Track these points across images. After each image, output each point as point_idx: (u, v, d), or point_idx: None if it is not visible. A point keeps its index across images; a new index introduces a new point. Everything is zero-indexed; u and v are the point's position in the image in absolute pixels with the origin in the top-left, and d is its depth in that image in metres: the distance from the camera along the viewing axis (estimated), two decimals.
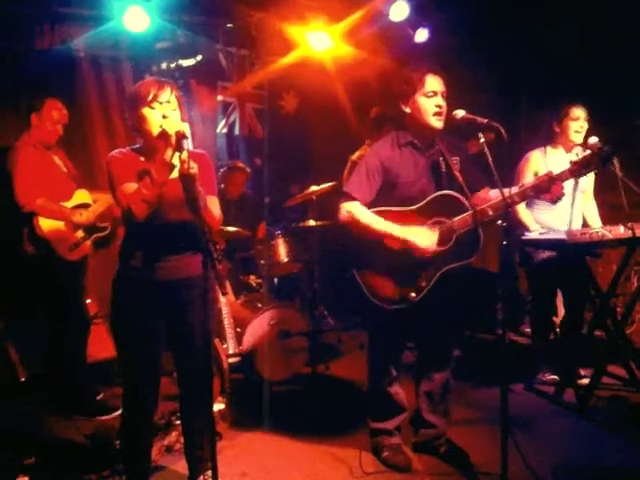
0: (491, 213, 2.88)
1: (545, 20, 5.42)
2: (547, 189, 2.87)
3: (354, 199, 3.03)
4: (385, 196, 3.05)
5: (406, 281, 2.99)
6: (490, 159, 2.62)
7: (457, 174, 3.00)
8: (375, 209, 3.03)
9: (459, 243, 2.95)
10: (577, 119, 4.00)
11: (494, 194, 2.95)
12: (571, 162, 2.93)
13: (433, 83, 2.97)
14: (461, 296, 3.21)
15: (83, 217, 3.86)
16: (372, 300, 3.01)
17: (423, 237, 2.93)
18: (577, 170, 2.89)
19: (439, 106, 2.96)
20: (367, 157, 3.15)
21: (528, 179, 3.99)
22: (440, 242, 2.95)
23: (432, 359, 3.23)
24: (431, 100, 2.96)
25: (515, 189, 2.92)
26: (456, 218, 2.94)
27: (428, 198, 3.01)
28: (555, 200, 2.95)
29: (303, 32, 5.40)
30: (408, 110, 3.04)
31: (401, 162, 3.05)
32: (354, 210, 3.02)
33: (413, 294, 2.96)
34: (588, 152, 2.93)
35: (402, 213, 3.02)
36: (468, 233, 2.94)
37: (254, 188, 6.30)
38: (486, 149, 2.63)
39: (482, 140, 2.69)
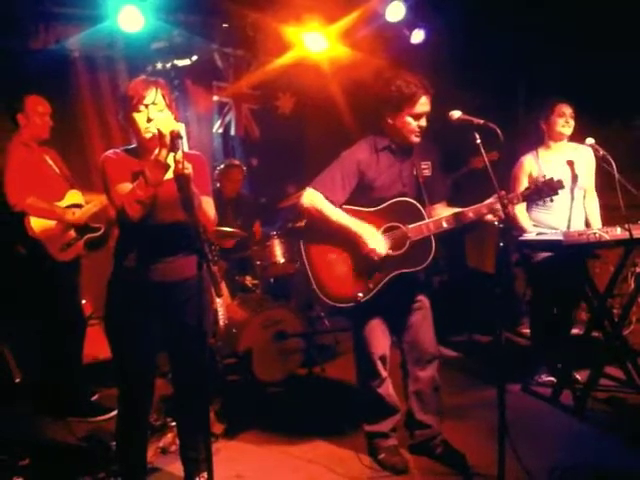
0: (445, 226, 2.94)
1: (543, 20, 5.42)
2: (502, 210, 2.78)
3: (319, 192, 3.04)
4: (359, 198, 3.07)
5: (355, 281, 3.01)
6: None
7: (420, 181, 3.06)
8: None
9: (413, 249, 2.97)
10: (563, 115, 4.01)
11: (443, 212, 3.04)
12: (522, 190, 3.02)
13: (424, 105, 2.97)
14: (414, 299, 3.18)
15: (75, 215, 3.83)
16: (319, 295, 3.02)
17: (375, 239, 2.96)
18: (528, 196, 2.99)
19: (421, 127, 2.99)
20: (344, 158, 3.12)
21: (523, 184, 3.97)
22: (393, 247, 2.98)
23: (413, 358, 3.21)
24: (416, 122, 2.98)
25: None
26: (411, 225, 2.97)
27: (388, 202, 3.03)
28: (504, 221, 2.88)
29: (299, 33, 5.40)
30: (390, 121, 3.03)
31: (378, 166, 3.07)
32: (315, 198, 3.03)
33: (360, 294, 2.98)
34: (545, 179, 2.97)
35: (361, 213, 3.04)
36: (423, 241, 2.97)
37: (250, 188, 6.29)
38: (482, 150, 2.61)
39: (478, 141, 2.67)
